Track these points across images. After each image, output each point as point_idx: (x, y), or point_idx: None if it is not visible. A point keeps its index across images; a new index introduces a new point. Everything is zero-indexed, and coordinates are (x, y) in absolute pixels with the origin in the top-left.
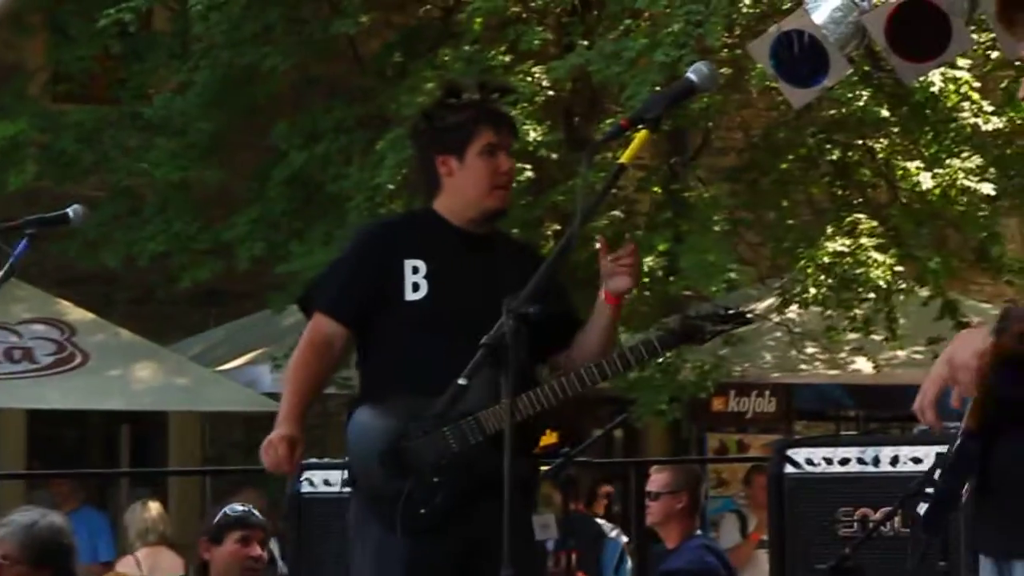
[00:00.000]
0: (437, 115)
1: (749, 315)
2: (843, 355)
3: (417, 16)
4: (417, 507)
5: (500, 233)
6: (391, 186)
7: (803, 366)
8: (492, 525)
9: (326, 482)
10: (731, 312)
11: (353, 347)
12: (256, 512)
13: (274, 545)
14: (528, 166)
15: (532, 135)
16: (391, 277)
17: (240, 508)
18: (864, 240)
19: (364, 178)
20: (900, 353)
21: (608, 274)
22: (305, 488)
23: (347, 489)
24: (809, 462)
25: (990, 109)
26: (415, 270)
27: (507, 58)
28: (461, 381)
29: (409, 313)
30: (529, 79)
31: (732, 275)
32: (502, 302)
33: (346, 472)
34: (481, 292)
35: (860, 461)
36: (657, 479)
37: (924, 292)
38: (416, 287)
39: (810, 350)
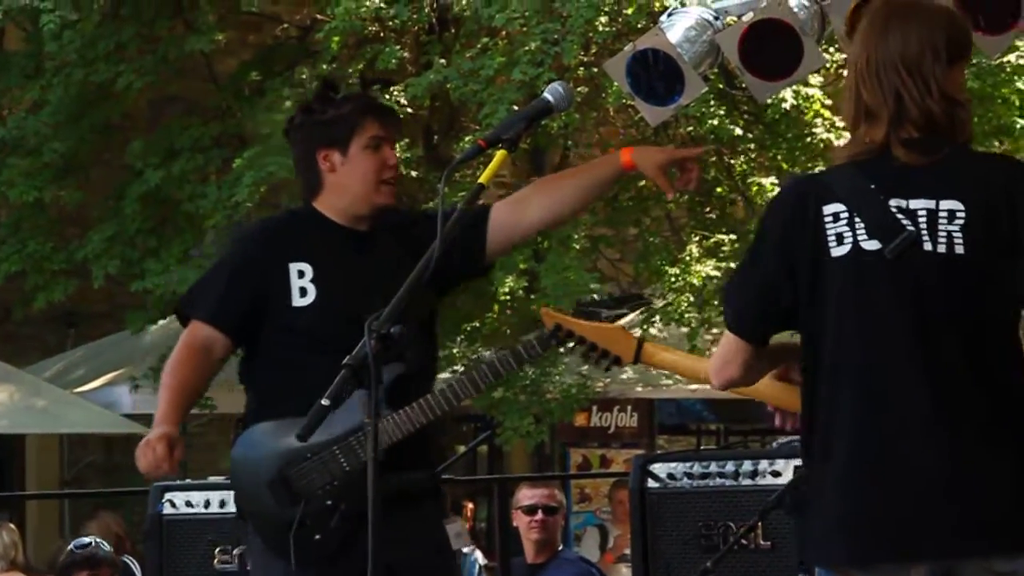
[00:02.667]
0: (317, 108)
1: (645, 298)
2: None
3: (274, 35)
4: (311, 534)
5: (386, 226)
6: (249, 204)
7: (665, 381)
8: (395, 546)
9: (187, 503)
10: (624, 297)
11: (229, 356)
12: (103, 544)
13: (135, 567)
14: None
15: None
16: (275, 282)
17: (86, 543)
18: (733, 264)
19: (222, 197)
20: None
21: (665, 160)
22: (166, 509)
23: (208, 510)
24: (671, 476)
25: (842, 125)
26: (301, 274)
27: None
28: (324, 402)
29: (297, 320)
30: (387, 97)
31: (594, 295)
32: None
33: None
34: (372, 295)
35: (720, 475)
36: (551, 494)
37: None
38: (303, 292)
39: None
